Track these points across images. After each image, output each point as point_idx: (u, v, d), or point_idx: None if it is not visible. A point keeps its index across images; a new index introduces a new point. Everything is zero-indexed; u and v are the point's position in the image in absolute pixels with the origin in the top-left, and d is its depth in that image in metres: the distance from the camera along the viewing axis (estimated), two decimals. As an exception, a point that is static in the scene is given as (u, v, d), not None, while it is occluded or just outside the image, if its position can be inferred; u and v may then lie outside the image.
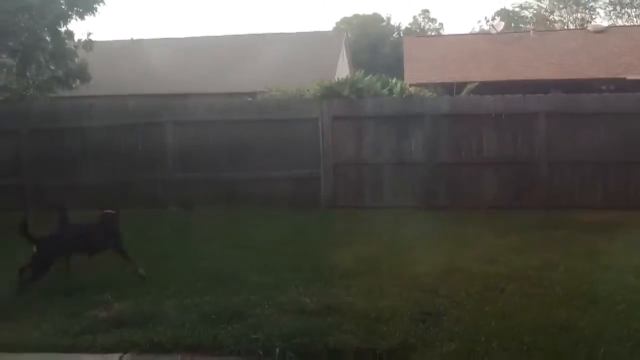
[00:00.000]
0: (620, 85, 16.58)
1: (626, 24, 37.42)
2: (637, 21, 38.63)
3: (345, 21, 45.57)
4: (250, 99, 12.96)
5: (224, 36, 28.06)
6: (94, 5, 14.69)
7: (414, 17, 50.62)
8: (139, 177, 11.15)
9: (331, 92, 10.99)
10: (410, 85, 13.82)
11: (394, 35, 43.23)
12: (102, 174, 11.15)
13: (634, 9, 39.90)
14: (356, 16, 46.27)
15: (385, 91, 11.13)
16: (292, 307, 5.30)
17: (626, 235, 8.24)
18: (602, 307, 5.29)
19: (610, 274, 6.41)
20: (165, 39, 27.52)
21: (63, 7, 14.28)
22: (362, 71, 11.95)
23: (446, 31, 48.59)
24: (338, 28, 40.20)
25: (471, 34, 32.84)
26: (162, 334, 4.75)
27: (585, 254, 7.25)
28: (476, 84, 14.37)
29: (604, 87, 17.02)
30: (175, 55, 24.49)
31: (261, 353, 4.46)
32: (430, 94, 11.88)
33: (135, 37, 27.91)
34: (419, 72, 20.63)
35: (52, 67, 14.53)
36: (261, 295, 5.62)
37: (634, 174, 10.18)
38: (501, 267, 6.68)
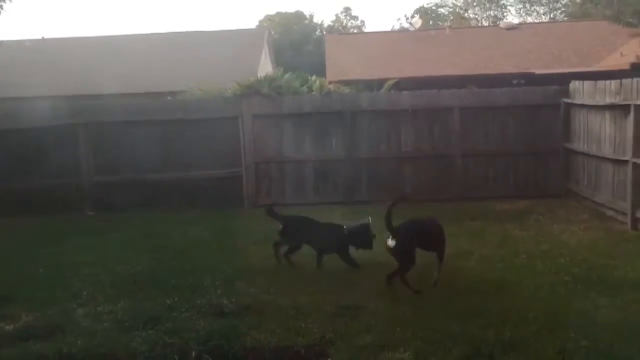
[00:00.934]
0: (530, 79, 17.39)
1: (535, 21, 39.33)
2: (545, 18, 40.67)
3: (268, 19, 45.46)
4: (170, 98, 12.65)
5: (143, 34, 27.34)
6: (0, 3, 13.95)
7: (337, 15, 51.21)
8: (52, 182, 10.66)
9: (251, 91, 10.90)
10: (332, 82, 13.96)
11: (317, 32, 43.46)
12: (10, 179, 10.61)
13: (542, 7, 42.01)
14: (279, 14, 46.24)
15: (304, 89, 11.16)
16: (210, 309, 5.24)
17: (535, 222, 8.67)
18: (511, 292, 5.54)
19: (520, 260, 6.73)
20: (80, 37, 26.53)
21: (-37, 4, 13.49)
22: (282, 69, 11.94)
23: (368, 29, 49.40)
24: (261, 26, 40.04)
25: (391, 32, 33.59)
26: (73, 345, 4.58)
27: (498, 242, 7.58)
28: (396, 80, 14.65)
29: (515, 81, 17.85)
30: (91, 54, 23.67)
31: (176, 358, 4.37)
32: (349, 90, 12.01)
33: (47, 36, 26.77)
34: (340, 69, 20.86)
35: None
36: (178, 299, 5.51)
37: (542, 164, 10.68)
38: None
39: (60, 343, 4.59)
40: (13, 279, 6.56)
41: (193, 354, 4.39)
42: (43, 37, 26.48)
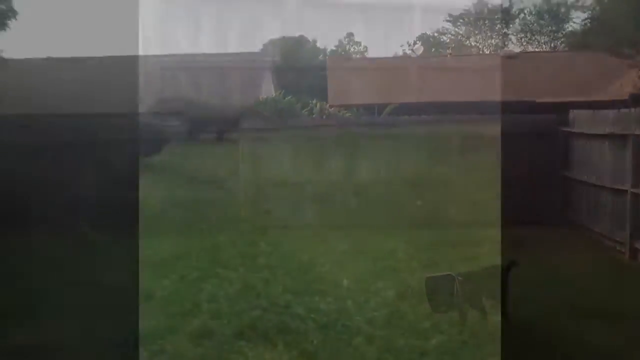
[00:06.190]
0: (531, 107, 17.47)
1: (536, 49, 39.66)
2: (546, 47, 41.04)
3: (273, 43, 45.86)
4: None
5: (147, 56, 27.50)
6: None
7: (340, 40, 51.61)
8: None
9: (252, 112, 10.98)
10: (333, 106, 14.07)
11: (320, 57, 43.83)
12: None
13: (543, 36, 42.44)
14: (283, 39, 46.66)
15: (305, 112, 11.26)
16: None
17: (535, 252, 8.59)
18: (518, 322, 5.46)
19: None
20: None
21: None
22: (283, 92, 12.05)
23: (370, 54, 49.76)
24: (265, 50, 40.40)
25: (393, 57, 33.89)
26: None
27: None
28: (396, 105, 14.76)
29: (515, 110, 17.90)
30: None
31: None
32: (350, 114, 12.11)
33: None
34: (342, 93, 20.96)
35: None
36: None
37: (542, 192, 10.63)
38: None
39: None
40: None
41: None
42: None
